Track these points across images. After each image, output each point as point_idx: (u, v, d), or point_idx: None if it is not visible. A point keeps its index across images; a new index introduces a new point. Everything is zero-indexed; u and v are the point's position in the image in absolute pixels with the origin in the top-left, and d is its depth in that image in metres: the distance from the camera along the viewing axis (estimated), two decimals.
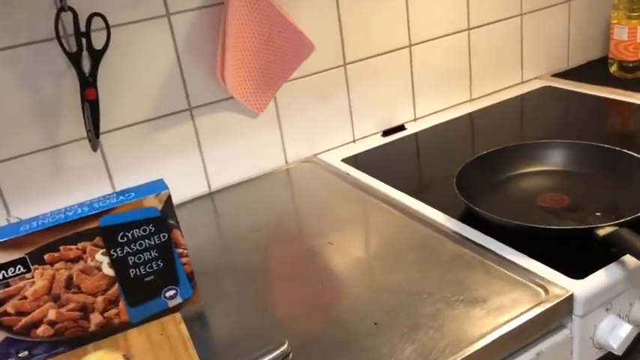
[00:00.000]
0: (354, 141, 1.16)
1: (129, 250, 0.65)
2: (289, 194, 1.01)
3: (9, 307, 0.62)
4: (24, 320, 0.63)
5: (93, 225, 0.63)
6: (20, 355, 0.64)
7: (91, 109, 0.85)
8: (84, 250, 0.63)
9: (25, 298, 0.62)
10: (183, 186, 1.01)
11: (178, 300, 0.69)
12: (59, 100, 0.87)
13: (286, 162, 1.10)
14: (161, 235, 0.66)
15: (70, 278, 0.63)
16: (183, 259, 0.68)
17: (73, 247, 0.63)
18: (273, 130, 1.07)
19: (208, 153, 1.01)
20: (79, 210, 0.63)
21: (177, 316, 0.69)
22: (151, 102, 0.94)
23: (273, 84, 1.01)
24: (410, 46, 1.16)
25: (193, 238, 0.86)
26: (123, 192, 0.66)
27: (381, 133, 1.17)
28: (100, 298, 0.65)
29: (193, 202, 1.01)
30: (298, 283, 0.74)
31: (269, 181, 1.05)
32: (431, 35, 1.18)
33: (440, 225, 0.83)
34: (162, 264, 0.67)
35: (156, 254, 0.66)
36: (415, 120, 1.23)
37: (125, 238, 0.64)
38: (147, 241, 0.65)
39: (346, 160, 1.08)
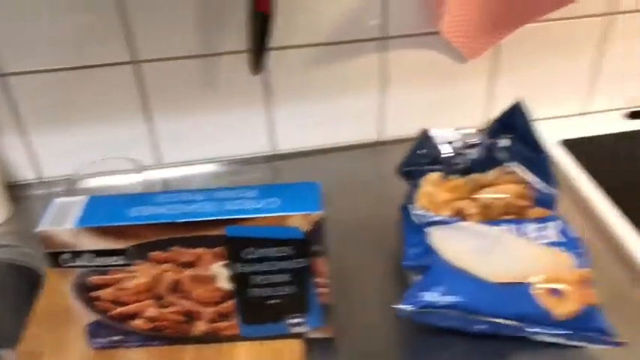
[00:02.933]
0: (582, 114, 0.87)
1: (255, 269, 0.49)
2: None
3: (104, 294, 0.50)
4: (120, 310, 0.51)
5: (217, 232, 0.47)
6: (113, 338, 0.54)
7: (261, 24, 0.65)
8: (199, 257, 0.48)
9: (124, 288, 0.50)
10: (350, 128, 0.82)
11: (304, 328, 0.54)
12: (224, 5, 0.68)
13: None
14: (299, 260, 0.49)
15: (177, 282, 0.50)
16: (321, 289, 0.51)
17: (188, 250, 0.48)
18: (479, 81, 0.81)
19: (391, 95, 0.79)
20: (205, 208, 0.47)
21: (299, 346, 0.54)
22: (339, 21, 0.72)
23: (503, 27, 0.73)
24: None
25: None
26: (265, 191, 0.48)
27: (624, 113, 0.86)
28: (210, 309, 0.52)
29: (358, 149, 0.82)
30: None
31: None
32: None
33: None
34: (292, 290, 0.51)
35: (288, 279, 0.50)
36: None
37: (253, 255, 0.48)
38: (279, 263, 0.49)
39: (568, 144, 0.80)
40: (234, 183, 0.76)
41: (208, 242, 0.47)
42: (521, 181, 0.63)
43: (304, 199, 0.47)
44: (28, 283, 0.67)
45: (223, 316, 0.52)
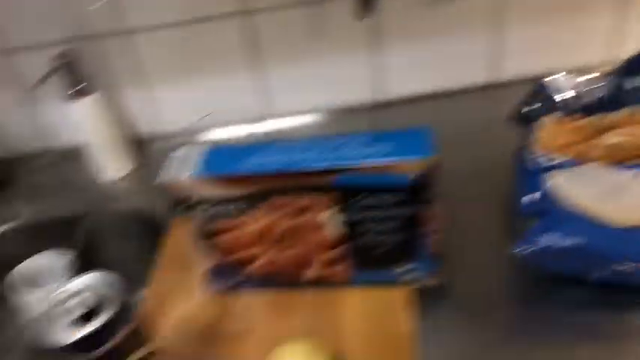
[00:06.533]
0: None
1: (363, 216, 0.49)
2: None
3: (223, 240, 0.53)
4: (238, 254, 0.54)
5: (327, 180, 0.47)
6: (231, 282, 0.56)
7: None
8: (311, 204, 0.49)
9: (242, 234, 0.52)
10: (460, 71, 0.78)
11: (413, 276, 0.53)
12: None
13: None
14: (409, 207, 0.48)
15: (290, 228, 0.51)
16: (432, 237, 0.50)
17: (300, 197, 0.49)
18: (603, 15, 0.73)
19: (506, 34, 0.74)
20: (318, 157, 0.47)
21: (405, 294, 0.54)
22: None
23: None
24: None
25: None
26: (376, 138, 0.47)
27: None
28: (321, 255, 0.52)
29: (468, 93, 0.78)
30: None
31: None
32: None
33: None
34: (402, 238, 0.50)
35: (397, 226, 0.49)
36: None
37: (362, 203, 0.48)
38: (388, 210, 0.48)
39: None
40: (341, 132, 0.76)
41: (319, 190, 0.48)
42: None
43: (415, 144, 0.46)
44: (153, 232, 0.71)
45: (333, 262, 0.53)
